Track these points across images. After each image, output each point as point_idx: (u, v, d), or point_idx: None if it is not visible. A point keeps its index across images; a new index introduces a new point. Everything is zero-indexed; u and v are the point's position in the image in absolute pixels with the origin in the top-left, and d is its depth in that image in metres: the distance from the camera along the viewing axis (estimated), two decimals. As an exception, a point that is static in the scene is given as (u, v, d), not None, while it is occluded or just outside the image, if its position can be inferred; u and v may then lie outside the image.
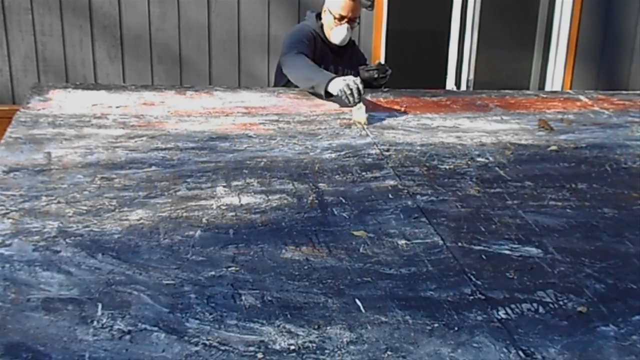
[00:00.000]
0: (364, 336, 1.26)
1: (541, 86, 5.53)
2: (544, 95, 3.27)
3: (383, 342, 1.25)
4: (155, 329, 1.25)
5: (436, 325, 1.31)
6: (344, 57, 3.27)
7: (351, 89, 2.64)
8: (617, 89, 4.49)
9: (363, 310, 1.35)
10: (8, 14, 4.60)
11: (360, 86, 2.66)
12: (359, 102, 2.64)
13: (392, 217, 1.79)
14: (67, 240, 1.57)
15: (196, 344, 1.21)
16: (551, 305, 1.41)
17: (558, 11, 5.34)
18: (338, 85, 2.69)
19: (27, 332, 1.22)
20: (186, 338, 1.23)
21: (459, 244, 1.66)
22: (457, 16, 5.19)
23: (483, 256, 1.61)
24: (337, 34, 3.16)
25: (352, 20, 3.15)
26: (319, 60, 3.09)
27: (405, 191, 1.96)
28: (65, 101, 2.62)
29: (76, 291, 1.36)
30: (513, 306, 1.40)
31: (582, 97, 3.17)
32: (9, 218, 1.67)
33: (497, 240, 1.69)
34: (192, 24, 4.76)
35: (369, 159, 2.21)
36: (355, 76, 2.83)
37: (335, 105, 2.79)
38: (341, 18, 3.13)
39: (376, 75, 3.11)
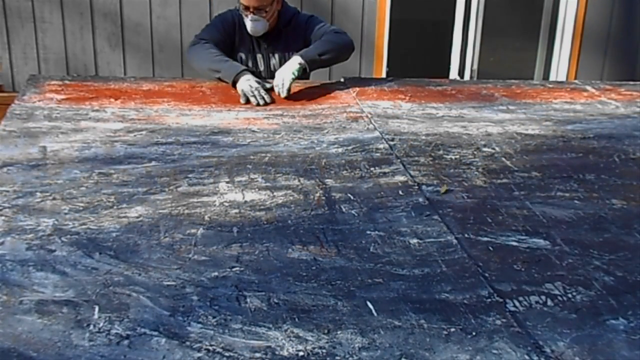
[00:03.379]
0: (376, 341, 1.21)
1: (545, 76, 5.53)
2: (551, 86, 3.27)
3: (397, 348, 1.20)
4: (155, 333, 1.21)
5: (453, 330, 1.26)
6: (278, 42, 2.98)
7: (253, 94, 2.61)
8: (622, 80, 4.45)
9: (375, 314, 1.30)
10: (8, 1, 4.59)
11: (262, 90, 2.63)
12: (263, 103, 2.61)
13: (402, 214, 1.74)
14: (63, 238, 1.54)
15: (199, 350, 1.17)
16: (560, 298, 1.39)
17: (564, 0, 5.31)
18: (242, 85, 2.66)
19: (18, 337, 1.18)
20: (188, 343, 1.19)
21: (465, 235, 1.64)
22: (462, 5, 5.19)
23: (490, 247, 1.59)
24: (247, 26, 2.89)
25: (257, 9, 2.83)
26: (237, 46, 2.96)
27: (416, 187, 1.92)
28: (61, 93, 2.59)
29: (71, 293, 1.32)
30: (521, 299, 1.37)
31: (588, 88, 3.18)
32: (1, 215, 1.63)
33: (504, 232, 1.67)
34: (194, 12, 4.73)
35: (377, 154, 2.17)
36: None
37: (341, 99, 2.76)
38: (246, 8, 2.84)
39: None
